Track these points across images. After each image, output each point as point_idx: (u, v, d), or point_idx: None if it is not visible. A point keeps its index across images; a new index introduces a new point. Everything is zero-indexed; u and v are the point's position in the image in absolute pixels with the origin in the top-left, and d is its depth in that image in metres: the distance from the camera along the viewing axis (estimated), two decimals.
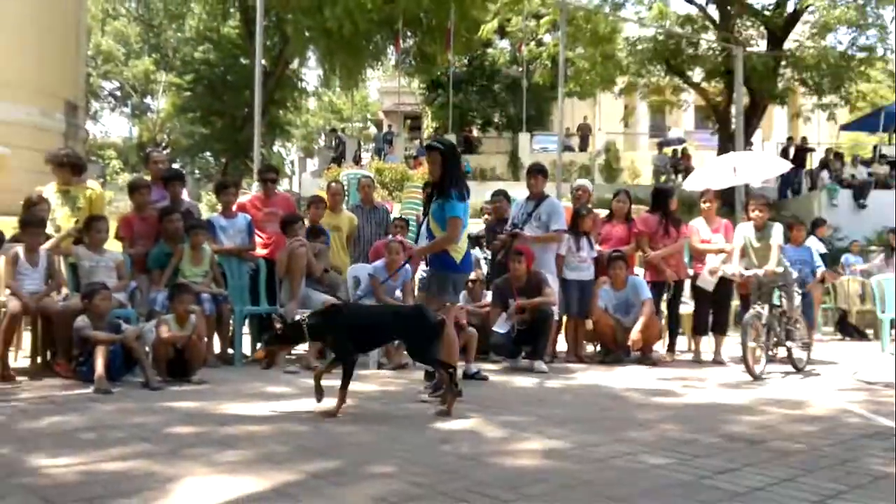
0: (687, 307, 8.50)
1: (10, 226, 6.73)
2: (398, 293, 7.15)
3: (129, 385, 5.47)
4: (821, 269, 9.49)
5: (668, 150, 27.37)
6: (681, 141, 28.53)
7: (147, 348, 5.75)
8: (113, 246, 6.86)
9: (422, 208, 8.70)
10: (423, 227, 5.39)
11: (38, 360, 6.32)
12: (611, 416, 4.70)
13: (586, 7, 22.42)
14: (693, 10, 22.45)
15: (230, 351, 6.96)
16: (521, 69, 29.70)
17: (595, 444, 3.81)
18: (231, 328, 6.98)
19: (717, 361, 7.65)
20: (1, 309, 5.94)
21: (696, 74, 23.44)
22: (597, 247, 7.79)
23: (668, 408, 5.05)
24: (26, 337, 6.73)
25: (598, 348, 7.84)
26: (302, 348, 7.48)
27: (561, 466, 3.36)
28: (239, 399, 5.01)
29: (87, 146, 22.62)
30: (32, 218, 6.18)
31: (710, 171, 9.79)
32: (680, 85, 24.61)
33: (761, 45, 22.39)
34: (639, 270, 8.07)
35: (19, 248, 5.98)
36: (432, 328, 4.70)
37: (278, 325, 4.89)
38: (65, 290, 6.22)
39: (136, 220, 6.97)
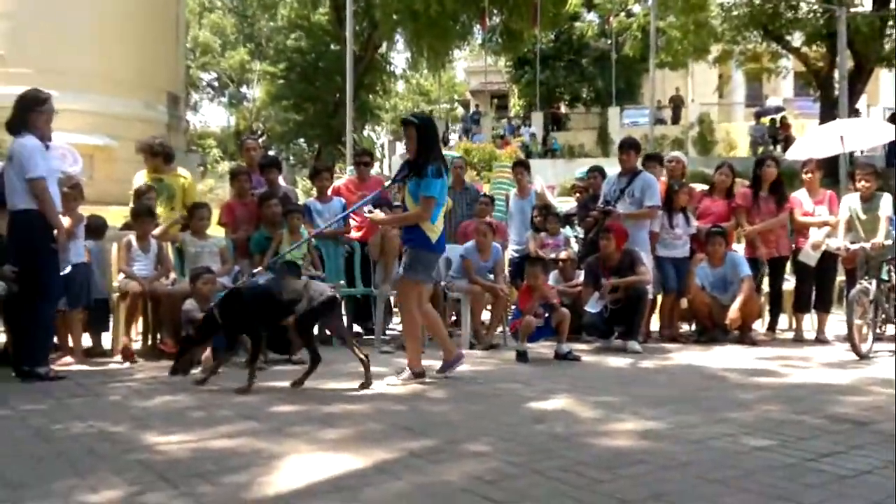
0: (788, 283, 8.21)
1: (119, 214, 7.11)
2: (490, 275, 7.20)
3: (232, 365, 5.70)
4: None
5: (765, 120, 26.37)
6: (779, 110, 27.39)
7: None
8: (216, 231, 7.14)
9: (515, 188, 8.70)
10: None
11: (149, 342, 6.69)
12: (708, 396, 4.61)
13: None
14: None
15: (327, 332, 7.14)
16: (609, 42, 29.13)
17: (693, 425, 3.76)
18: None
19: (821, 340, 7.36)
20: (114, 294, 6.30)
21: (796, 39, 22.41)
22: (695, 223, 7.58)
23: (768, 388, 4.91)
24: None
25: (694, 327, 7.67)
26: (398, 329, 7.65)
27: (658, 447, 3.33)
28: (337, 378, 5.16)
29: (188, 136, 23.53)
30: (141, 208, 6.52)
31: (815, 139, 9.33)
32: (778, 51, 23.57)
33: (866, 5, 21.19)
34: (737, 247, 7.84)
35: (132, 236, 6.33)
36: (321, 305, 4.78)
37: (190, 332, 5.10)
38: (172, 275, 6.55)
39: (238, 206, 7.21)
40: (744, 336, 7.20)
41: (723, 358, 6.29)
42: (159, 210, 6.92)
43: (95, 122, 15.21)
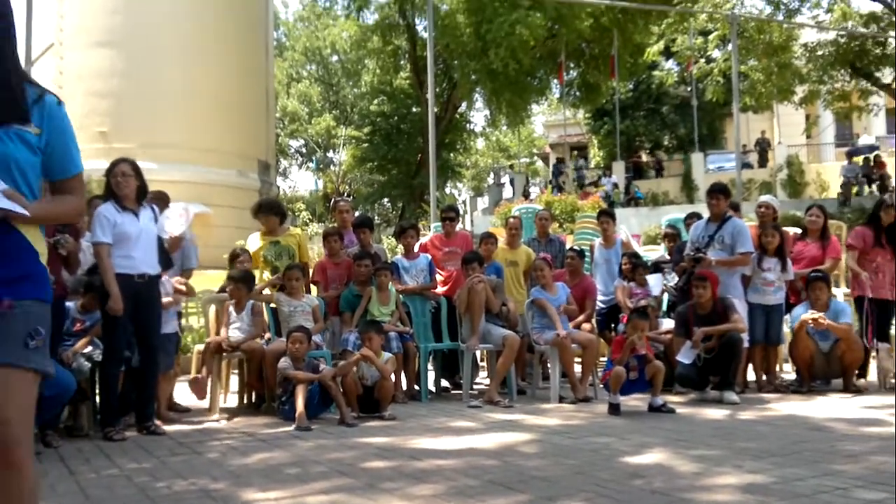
0: None
1: (215, 278, 7.38)
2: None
3: (326, 422, 5.80)
4: None
5: (858, 160, 25.42)
6: (872, 148, 26.36)
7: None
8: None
9: (599, 237, 8.64)
10: None
11: (244, 400, 6.87)
12: (813, 447, 4.40)
13: (758, 18, 21.47)
14: (877, 7, 20.87)
15: (416, 387, 7.20)
16: (690, 88, 28.87)
17: (799, 478, 3.59)
18: (417, 365, 7.21)
19: None
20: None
21: (886, 75, 21.70)
22: (792, 269, 7.30)
23: (878, 438, 4.65)
24: (234, 380, 7.34)
25: (794, 377, 7.34)
26: (484, 382, 7.63)
27: (763, 501, 3.20)
28: (428, 434, 5.17)
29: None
30: (237, 274, 6.74)
31: None
32: (868, 88, 22.86)
33: None
34: (835, 291, 7.52)
35: (231, 302, 6.57)
36: None
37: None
38: (267, 334, 6.74)
39: (329, 266, 7.38)
40: (847, 384, 6.86)
41: (826, 407, 6.00)
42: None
43: (192, 190, 15.96)
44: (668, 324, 7.29)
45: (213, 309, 6.73)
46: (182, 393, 6.79)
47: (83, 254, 5.69)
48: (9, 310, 2.07)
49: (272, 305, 6.79)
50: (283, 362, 5.89)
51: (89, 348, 5.52)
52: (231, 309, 6.50)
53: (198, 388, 6.26)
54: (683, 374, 6.65)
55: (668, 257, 8.37)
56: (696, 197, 25.25)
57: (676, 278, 7.47)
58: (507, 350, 6.72)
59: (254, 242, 7.21)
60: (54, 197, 2.25)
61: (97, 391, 5.63)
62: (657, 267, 8.22)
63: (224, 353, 6.40)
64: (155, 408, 5.66)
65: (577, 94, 30.21)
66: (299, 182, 48.67)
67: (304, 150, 46.89)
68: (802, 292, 7.35)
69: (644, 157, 33.95)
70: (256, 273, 7.23)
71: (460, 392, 7.25)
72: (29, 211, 2.06)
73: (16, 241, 2.11)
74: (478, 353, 7.68)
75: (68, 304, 5.56)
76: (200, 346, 6.60)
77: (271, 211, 7.22)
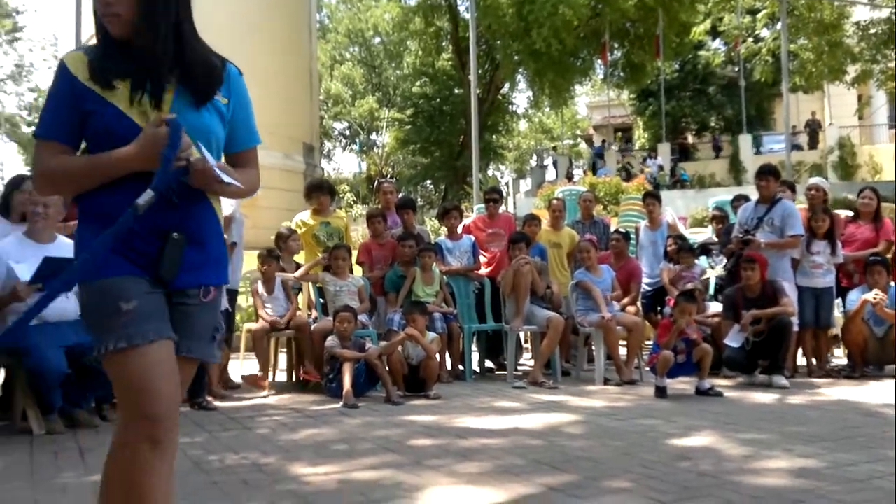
0: None
1: None
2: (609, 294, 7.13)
3: (372, 400, 5.87)
4: None
5: None
6: None
7: None
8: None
9: (644, 219, 8.56)
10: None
11: (293, 377, 6.98)
12: (866, 433, 4.32)
13: None
14: None
15: (461, 367, 7.24)
16: (737, 69, 28.28)
17: (852, 464, 3.53)
18: (461, 345, 7.25)
19: None
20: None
21: None
22: (842, 252, 7.15)
23: None
24: (282, 358, 7.46)
25: (846, 361, 7.20)
26: (528, 364, 7.63)
27: (815, 486, 3.16)
28: (472, 413, 5.20)
29: None
30: (262, 252, 6.89)
31: None
32: None
33: None
34: None
35: (259, 282, 6.74)
36: None
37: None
38: (314, 313, 6.83)
39: (374, 247, 7.45)
40: None
41: (879, 393, 5.88)
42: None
43: None
44: (715, 307, 7.21)
45: (260, 287, 6.84)
46: (233, 369, 6.92)
47: None
48: (212, 301, 1.98)
49: (318, 285, 6.87)
50: (331, 340, 5.97)
51: None
52: (262, 290, 6.62)
53: (256, 382, 6.42)
54: (731, 357, 6.58)
55: (715, 239, 8.26)
56: (743, 179, 24.80)
57: (724, 260, 7.37)
58: (552, 332, 6.71)
59: (304, 221, 7.31)
60: (238, 170, 2.05)
61: None
62: (704, 249, 8.12)
63: (274, 333, 6.53)
64: (206, 384, 5.77)
65: (622, 74, 29.75)
66: (343, 164, 49.05)
67: (347, 132, 47.10)
68: (855, 275, 7.20)
69: (690, 139, 33.38)
70: (304, 253, 7.32)
71: (504, 373, 7.27)
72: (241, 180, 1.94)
73: (209, 219, 1.99)
74: (522, 335, 7.68)
75: None
76: (250, 325, 6.72)
77: (326, 190, 7.38)
